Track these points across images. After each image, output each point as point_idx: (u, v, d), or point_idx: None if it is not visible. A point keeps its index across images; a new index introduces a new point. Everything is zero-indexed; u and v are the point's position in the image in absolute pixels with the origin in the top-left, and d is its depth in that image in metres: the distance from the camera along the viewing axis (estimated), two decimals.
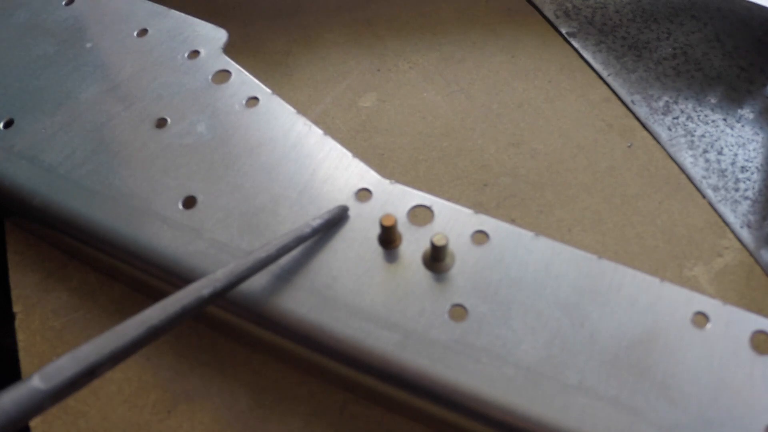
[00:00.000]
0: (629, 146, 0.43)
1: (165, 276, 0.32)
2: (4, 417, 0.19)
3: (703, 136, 0.43)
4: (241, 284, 0.29)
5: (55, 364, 0.21)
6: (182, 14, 0.41)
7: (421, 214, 0.32)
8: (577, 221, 0.39)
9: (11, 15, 0.43)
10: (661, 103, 0.45)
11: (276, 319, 0.30)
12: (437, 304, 0.29)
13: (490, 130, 0.44)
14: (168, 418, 0.32)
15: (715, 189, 0.40)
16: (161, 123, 0.36)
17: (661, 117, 0.44)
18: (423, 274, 0.30)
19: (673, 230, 0.39)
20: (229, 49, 0.39)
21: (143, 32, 0.41)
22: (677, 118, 0.44)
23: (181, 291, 0.25)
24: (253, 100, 0.36)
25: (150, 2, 0.42)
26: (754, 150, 0.42)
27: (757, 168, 0.41)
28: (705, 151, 0.42)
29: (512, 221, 0.31)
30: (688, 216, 0.39)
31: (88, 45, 0.40)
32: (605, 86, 0.46)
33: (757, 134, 0.43)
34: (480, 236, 0.31)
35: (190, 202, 0.33)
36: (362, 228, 0.31)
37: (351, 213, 0.32)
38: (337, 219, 0.31)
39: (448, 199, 0.32)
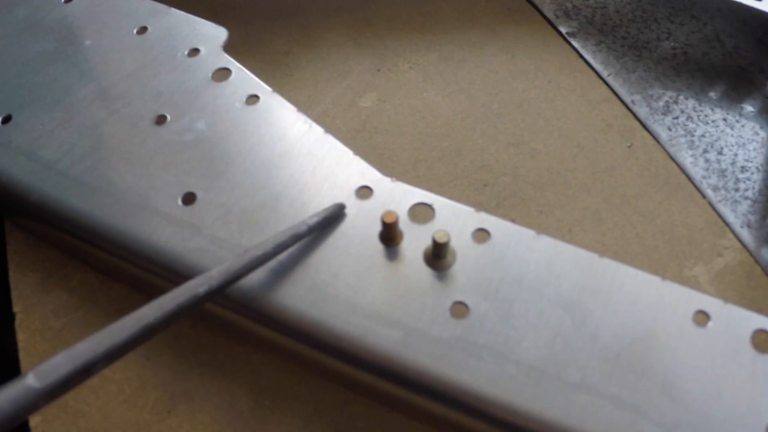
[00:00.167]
0: (629, 146, 0.43)
1: (164, 273, 0.32)
2: None
3: (703, 136, 0.43)
4: (242, 282, 0.29)
5: (50, 362, 0.21)
6: (182, 12, 0.41)
7: (422, 212, 0.32)
8: (577, 221, 0.39)
9: (10, 11, 0.43)
10: (661, 103, 0.45)
11: (277, 316, 0.30)
12: (438, 301, 0.29)
13: (490, 130, 0.44)
14: (168, 418, 0.32)
15: (715, 189, 0.40)
16: (161, 120, 0.36)
17: (661, 117, 0.44)
18: (424, 272, 0.30)
19: (673, 230, 0.39)
20: (228, 49, 0.39)
21: (143, 30, 0.40)
22: (677, 118, 0.44)
23: (177, 289, 0.25)
24: (253, 98, 0.36)
25: (150, 0, 0.42)
26: (754, 150, 0.42)
27: (757, 168, 0.41)
28: (705, 151, 0.42)
29: (512, 221, 0.31)
30: (688, 216, 0.39)
31: (88, 42, 0.40)
32: (605, 86, 0.46)
33: (757, 134, 0.43)
34: (481, 234, 0.31)
35: (189, 199, 0.33)
36: (363, 225, 0.31)
37: (352, 210, 0.32)
38: (334, 217, 0.31)
39: (449, 198, 0.32)
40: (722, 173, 0.41)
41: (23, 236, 0.38)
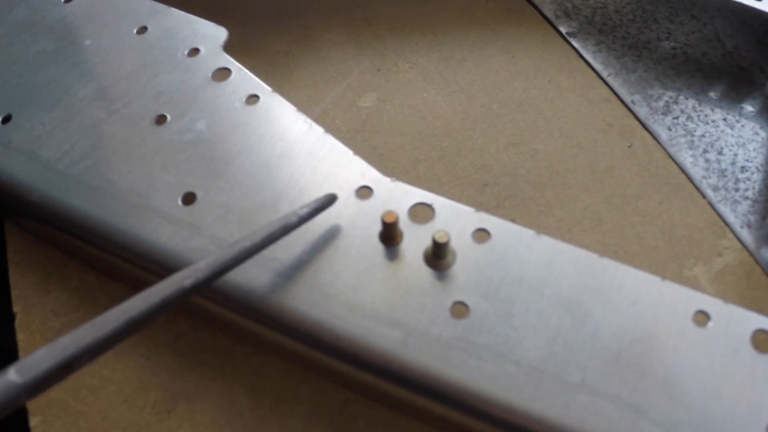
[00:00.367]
0: (629, 146, 0.43)
1: (164, 273, 0.31)
2: None
3: (703, 136, 0.43)
4: (242, 282, 0.29)
5: (32, 357, 0.20)
6: (182, 12, 0.41)
7: (422, 212, 0.32)
8: (577, 221, 0.39)
9: (10, 11, 0.43)
10: (661, 103, 0.45)
11: (277, 315, 0.30)
12: (438, 301, 0.29)
13: (490, 130, 0.44)
14: (168, 418, 0.32)
15: (715, 189, 0.40)
16: (161, 120, 0.36)
17: (661, 117, 0.44)
18: (424, 272, 0.30)
19: (673, 230, 0.39)
20: (228, 49, 0.39)
21: (143, 30, 0.40)
22: (677, 118, 0.44)
23: (163, 282, 0.24)
24: (253, 98, 0.36)
25: (150, 0, 0.42)
26: (754, 150, 0.42)
27: (757, 168, 0.41)
28: (705, 151, 0.42)
29: (512, 221, 0.31)
30: (688, 216, 0.39)
31: (87, 42, 0.40)
32: (605, 86, 0.46)
33: (757, 134, 0.43)
34: (481, 234, 0.31)
35: (189, 199, 0.33)
36: (363, 225, 0.31)
37: (352, 210, 0.32)
38: (325, 206, 0.31)
39: (449, 198, 0.32)
40: (722, 173, 0.41)
41: (23, 236, 0.38)
